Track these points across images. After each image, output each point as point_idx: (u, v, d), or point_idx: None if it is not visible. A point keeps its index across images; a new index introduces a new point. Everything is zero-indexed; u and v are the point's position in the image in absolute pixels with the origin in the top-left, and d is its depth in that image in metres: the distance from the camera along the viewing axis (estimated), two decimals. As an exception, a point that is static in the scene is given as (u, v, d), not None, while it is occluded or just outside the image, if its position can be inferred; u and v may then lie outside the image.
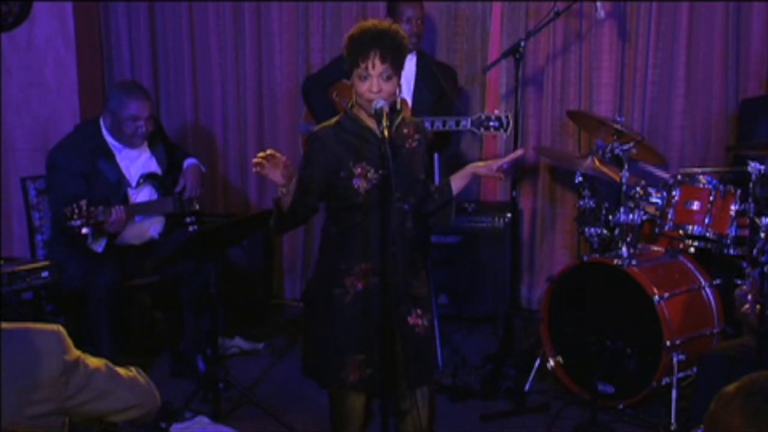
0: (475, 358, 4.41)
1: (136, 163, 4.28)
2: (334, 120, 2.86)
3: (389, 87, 2.72)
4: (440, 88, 4.46)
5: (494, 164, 2.94)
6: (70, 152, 4.17)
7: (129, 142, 4.21)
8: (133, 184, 4.24)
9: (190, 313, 4.28)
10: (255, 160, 2.65)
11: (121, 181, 4.20)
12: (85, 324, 4.08)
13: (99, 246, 4.10)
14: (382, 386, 2.73)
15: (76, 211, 3.80)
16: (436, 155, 4.64)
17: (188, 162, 4.46)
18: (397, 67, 2.73)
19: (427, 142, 2.98)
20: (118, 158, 4.22)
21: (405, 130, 2.87)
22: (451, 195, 2.95)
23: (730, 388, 1.61)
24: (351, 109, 2.83)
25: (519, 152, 3.08)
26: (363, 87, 2.71)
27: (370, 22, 2.77)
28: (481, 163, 3.04)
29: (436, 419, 3.04)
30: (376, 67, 2.68)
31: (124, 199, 4.16)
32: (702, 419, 1.65)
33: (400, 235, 2.79)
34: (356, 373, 2.79)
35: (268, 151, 2.66)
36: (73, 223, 3.80)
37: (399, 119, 2.85)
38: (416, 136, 2.90)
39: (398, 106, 2.83)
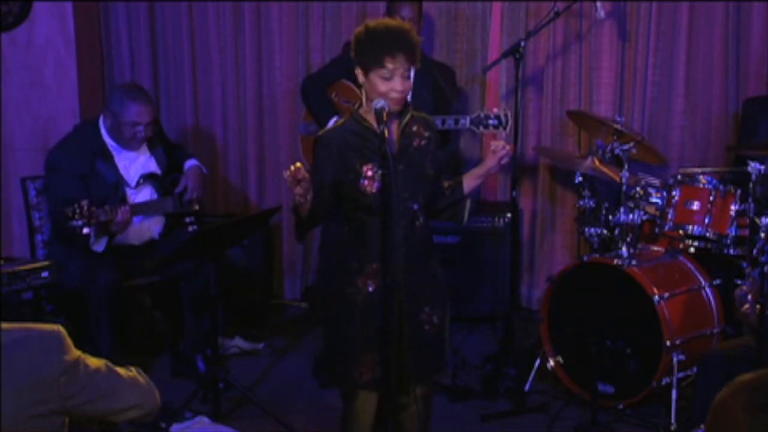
0: (475, 358, 4.41)
1: (135, 163, 4.27)
2: (340, 122, 2.85)
3: (409, 85, 2.73)
4: (439, 87, 4.46)
5: (495, 157, 2.88)
6: (70, 153, 4.16)
7: (127, 145, 4.20)
8: (132, 184, 4.23)
9: (190, 313, 4.28)
10: (286, 174, 2.64)
11: (120, 182, 4.19)
12: (85, 324, 4.08)
13: (100, 246, 4.09)
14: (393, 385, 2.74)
15: (78, 211, 3.79)
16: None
17: (189, 163, 4.45)
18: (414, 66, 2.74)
19: (438, 139, 2.95)
20: (117, 159, 4.22)
21: (414, 128, 2.86)
22: (462, 193, 2.93)
23: (745, 377, 1.60)
24: (357, 110, 2.82)
25: (505, 148, 2.91)
26: (386, 86, 2.68)
27: (387, 21, 2.77)
28: (487, 161, 2.95)
29: (432, 414, 3.05)
30: (404, 65, 2.67)
31: (123, 200, 4.16)
32: (702, 419, 1.65)
33: (411, 234, 2.79)
34: (369, 372, 2.80)
35: (297, 164, 2.64)
36: (74, 223, 3.80)
37: (408, 117, 2.83)
38: (426, 134, 2.88)
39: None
